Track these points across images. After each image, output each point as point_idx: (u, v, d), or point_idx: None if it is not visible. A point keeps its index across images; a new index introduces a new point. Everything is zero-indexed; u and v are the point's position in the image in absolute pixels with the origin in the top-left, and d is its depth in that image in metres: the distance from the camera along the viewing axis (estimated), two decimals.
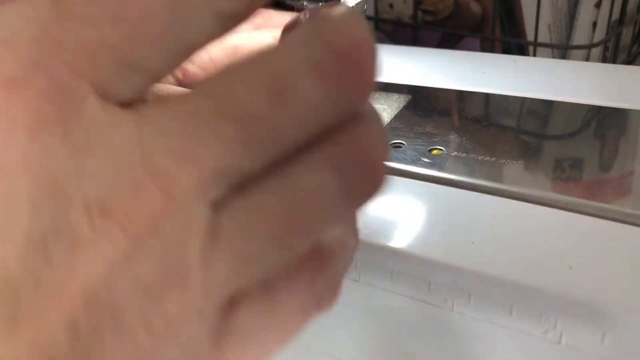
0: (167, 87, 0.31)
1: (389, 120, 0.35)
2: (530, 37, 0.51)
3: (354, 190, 0.14)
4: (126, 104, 0.13)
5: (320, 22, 0.13)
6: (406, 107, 0.37)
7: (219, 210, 0.13)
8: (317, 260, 0.15)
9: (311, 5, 0.33)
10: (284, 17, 0.45)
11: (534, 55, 0.52)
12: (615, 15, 0.49)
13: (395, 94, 0.39)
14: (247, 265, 0.14)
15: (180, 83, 0.37)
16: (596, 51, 0.50)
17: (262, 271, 0.14)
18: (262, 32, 0.42)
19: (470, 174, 0.29)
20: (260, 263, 0.14)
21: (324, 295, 0.16)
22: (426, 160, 0.30)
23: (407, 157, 0.31)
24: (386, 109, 0.36)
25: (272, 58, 0.13)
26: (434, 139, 0.32)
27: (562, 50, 0.51)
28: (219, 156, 0.13)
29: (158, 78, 0.13)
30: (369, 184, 0.14)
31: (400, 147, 0.32)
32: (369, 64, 0.13)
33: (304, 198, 0.14)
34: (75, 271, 0.12)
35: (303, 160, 0.14)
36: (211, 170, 0.13)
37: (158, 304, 0.13)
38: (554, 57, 0.52)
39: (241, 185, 0.13)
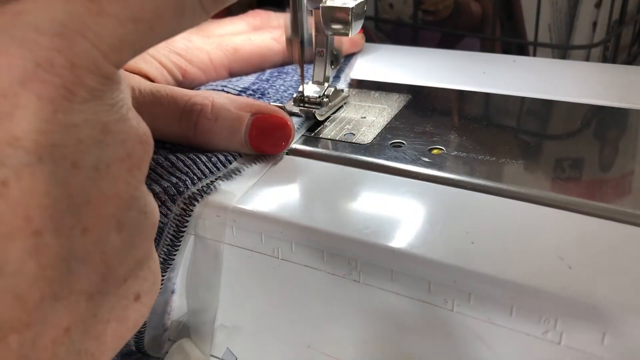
0: (167, 87, 0.31)
1: (389, 120, 0.35)
2: (530, 37, 0.51)
3: None
4: None
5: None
6: (406, 107, 0.37)
7: None
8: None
9: (311, 6, 0.33)
10: (282, 18, 0.45)
11: (534, 55, 0.52)
12: (616, 15, 0.49)
13: (395, 93, 0.39)
14: None
15: (179, 84, 0.37)
16: (596, 51, 0.50)
17: None
18: (260, 33, 0.42)
19: (471, 173, 0.29)
20: None
21: None
22: (426, 159, 0.30)
23: (407, 157, 0.30)
24: (386, 108, 0.36)
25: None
26: (434, 139, 0.32)
27: (562, 50, 0.51)
28: None
29: None
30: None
31: (401, 146, 0.32)
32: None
33: None
34: (117, 188, 0.16)
35: None
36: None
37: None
38: (554, 57, 0.52)
39: None
